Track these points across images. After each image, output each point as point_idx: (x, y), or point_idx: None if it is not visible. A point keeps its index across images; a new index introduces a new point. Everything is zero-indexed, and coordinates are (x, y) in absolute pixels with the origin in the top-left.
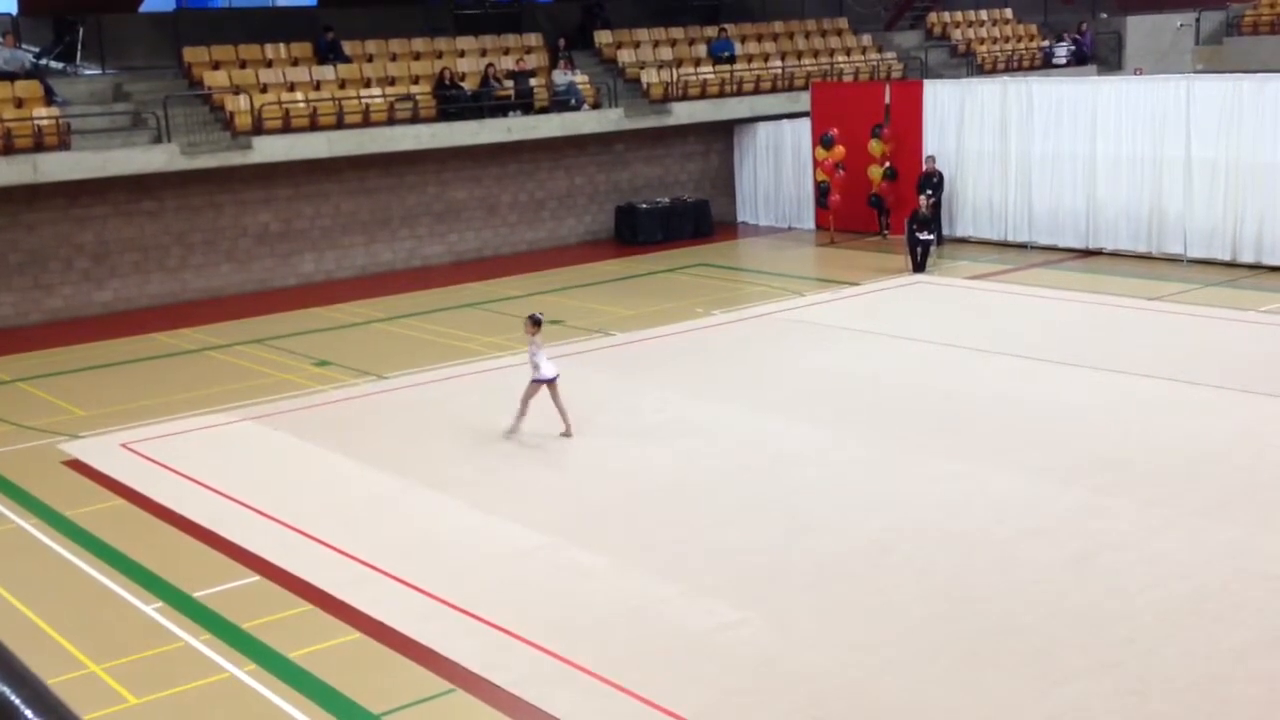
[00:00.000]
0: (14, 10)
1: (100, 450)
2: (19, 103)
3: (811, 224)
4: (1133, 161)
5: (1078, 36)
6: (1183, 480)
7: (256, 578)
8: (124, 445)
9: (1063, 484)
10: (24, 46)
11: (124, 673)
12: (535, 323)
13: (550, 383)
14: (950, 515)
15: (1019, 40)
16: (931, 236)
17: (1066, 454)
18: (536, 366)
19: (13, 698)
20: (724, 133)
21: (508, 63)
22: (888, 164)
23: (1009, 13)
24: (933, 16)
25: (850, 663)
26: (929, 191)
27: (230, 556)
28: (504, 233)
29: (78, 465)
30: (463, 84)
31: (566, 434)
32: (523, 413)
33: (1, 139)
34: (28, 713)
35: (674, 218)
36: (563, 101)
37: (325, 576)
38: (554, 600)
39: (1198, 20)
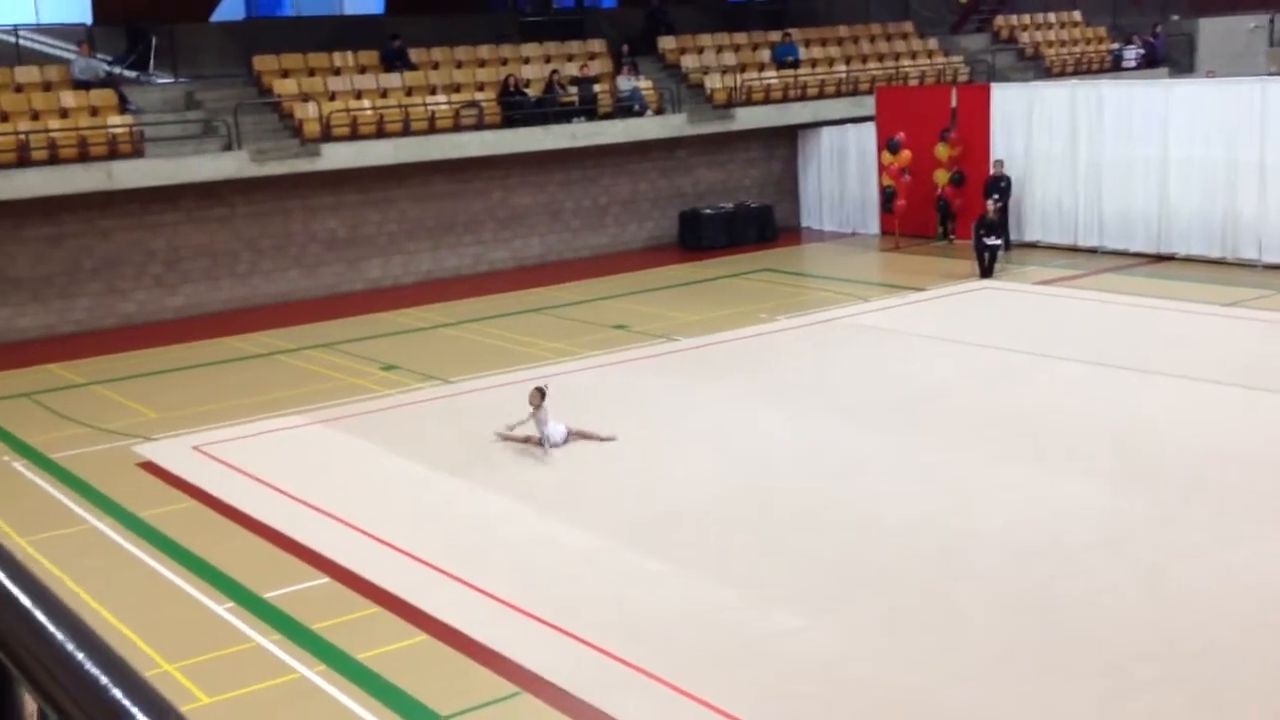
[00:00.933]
0: (89, 20)
1: (173, 452)
2: (94, 111)
3: (876, 229)
4: (1205, 164)
5: (1150, 39)
6: (1257, 490)
7: (326, 579)
8: (196, 447)
9: (1134, 493)
10: (99, 56)
11: (196, 672)
12: (541, 394)
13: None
14: (1018, 524)
15: (1088, 43)
16: (999, 241)
17: (1138, 462)
18: (548, 436)
19: (125, 701)
20: (787, 137)
21: (572, 69)
22: (956, 169)
23: (1078, 15)
24: (1000, 19)
25: (915, 671)
26: (996, 196)
27: (300, 558)
28: (568, 238)
29: (151, 467)
30: (527, 90)
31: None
32: (512, 435)
33: (77, 147)
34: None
35: (738, 223)
36: (626, 107)
37: (393, 579)
38: (618, 604)
39: (1271, 22)
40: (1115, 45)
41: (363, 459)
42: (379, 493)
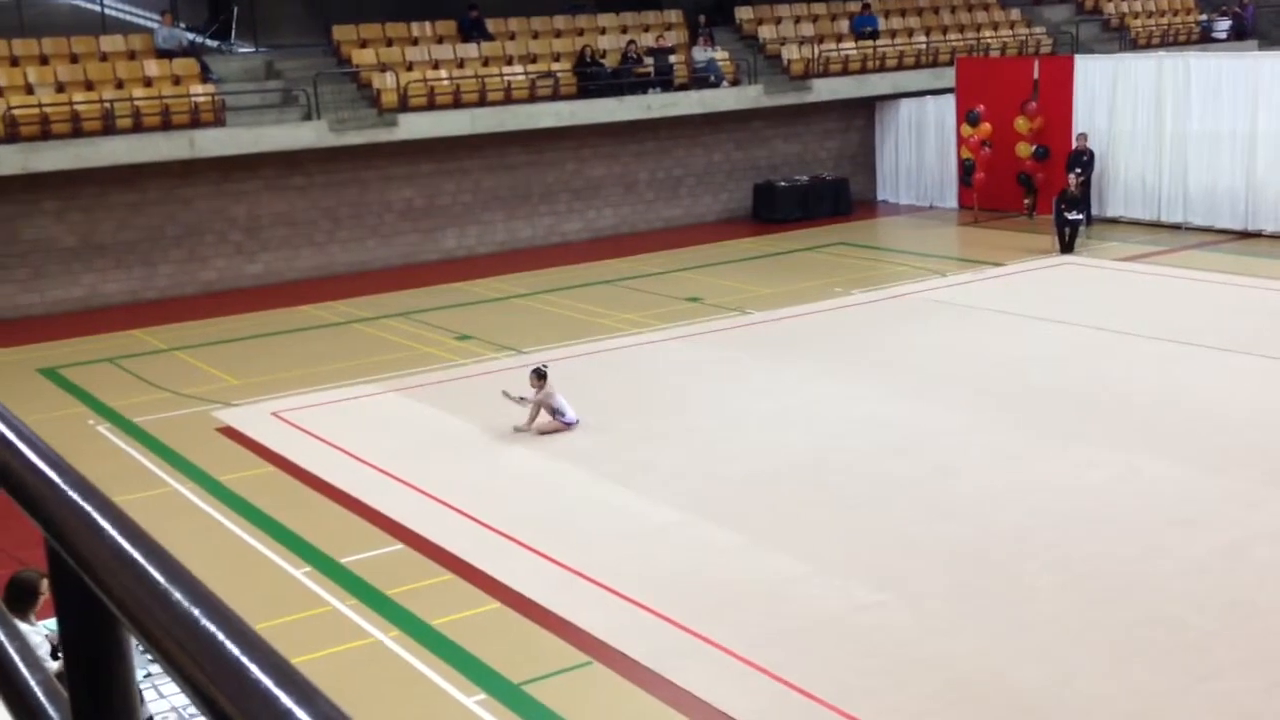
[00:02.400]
0: None
1: (252, 418)
2: (177, 80)
3: (954, 203)
4: None
5: (1239, 10)
6: None
7: (400, 546)
8: (275, 414)
9: (1215, 472)
10: (182, 25)
11: (275, 635)
12: (540, 376)
13: (570, 425)
14: (1095, 502)
15: (1175, 14)
16: (1081, 216)
17: (1219, 442)
18: (559, 411)
19: (278, 692)
20: (865, 109)
21: (648, 39)
22: (1039, 143)
23: None
24: None
25: (989, 649)
26: (1078, 170)
27: (375, 524)
28: (641, 210)
29: (231, 432)
30: (603, 61)
31: (523, 429)
32: (533, 416)
33: (160, 115)
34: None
35: (812, 195)
36: (702, 78)
37: (467, 546)
38: (689, 576)
39: None
40: (1204, 17)
41: (437, 427)
42: (453, 461)
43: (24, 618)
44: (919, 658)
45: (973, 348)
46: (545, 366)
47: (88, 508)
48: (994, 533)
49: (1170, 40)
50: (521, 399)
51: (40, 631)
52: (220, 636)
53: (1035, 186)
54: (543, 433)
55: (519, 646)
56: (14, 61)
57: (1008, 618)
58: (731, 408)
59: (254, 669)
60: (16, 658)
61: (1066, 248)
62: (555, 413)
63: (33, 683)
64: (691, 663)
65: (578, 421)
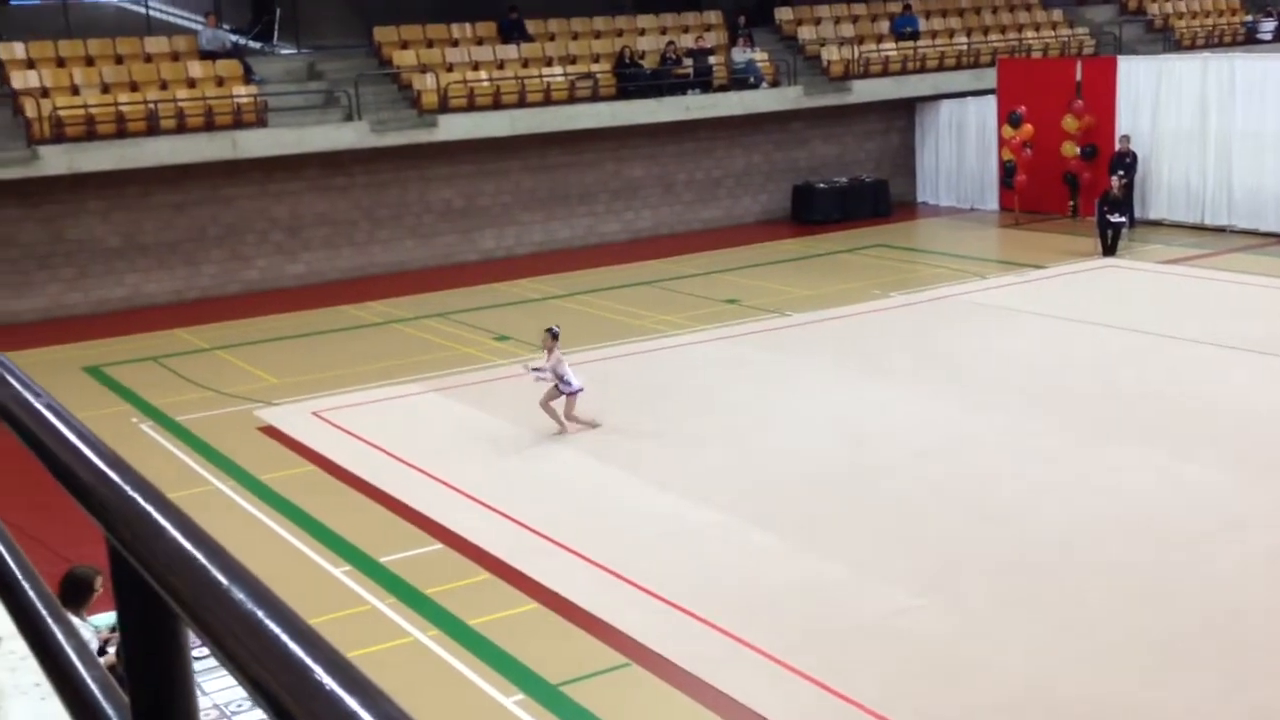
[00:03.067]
0: None
1: (293, 417)
2: (220, 81)
3: (995, 204)
4: None
5: None
6: None
7: (439, 545)
8: (315, 413)
9: (1261, 477)
10: (225, 27)
11: None
12: (554, 336)
13: (575, 394)
14: (1140, 507)
15: (1220, 15)
16: (1123, 219)
17: (1264, 446)
18: (564, 378)
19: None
20: (905, 111)
21: (687, 41)
22: (1088, 143)
23: None
24: None
25: (1032, 654)
26: (1121, 172)
27: (414, 524)
28: (680, 211)
29: (272, 431)
30: (642, 62)
31: (561, 432)
32: (556, 416)
33: (203, 116)
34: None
35: (852, 197)
36: (741, 79)
37: (505, 547)
38: (729, 578)
39: None
40: (1249, 17)
41: (476, 427)
42: (492, 461)
43: (77, 613)
44: (960, 662)
45: (1014, 351)
46: (557, 327)
47: (148, 507)
48: (1035, 537)
49: (1215, 41)
50: (538, 370)
51: (89, 627)
52: (284, 636)
53: (1080, 186)
54: (550, 400)
55: (557, 647)
56: (60, 63)
57: (1049, 622)
58: (770, 410)
59: (318, 669)
60: (74, 655)
61: (1109, 250)
62: (561, 379)
63: (89, 680)
64: (730, 666)
65: (581, 389)
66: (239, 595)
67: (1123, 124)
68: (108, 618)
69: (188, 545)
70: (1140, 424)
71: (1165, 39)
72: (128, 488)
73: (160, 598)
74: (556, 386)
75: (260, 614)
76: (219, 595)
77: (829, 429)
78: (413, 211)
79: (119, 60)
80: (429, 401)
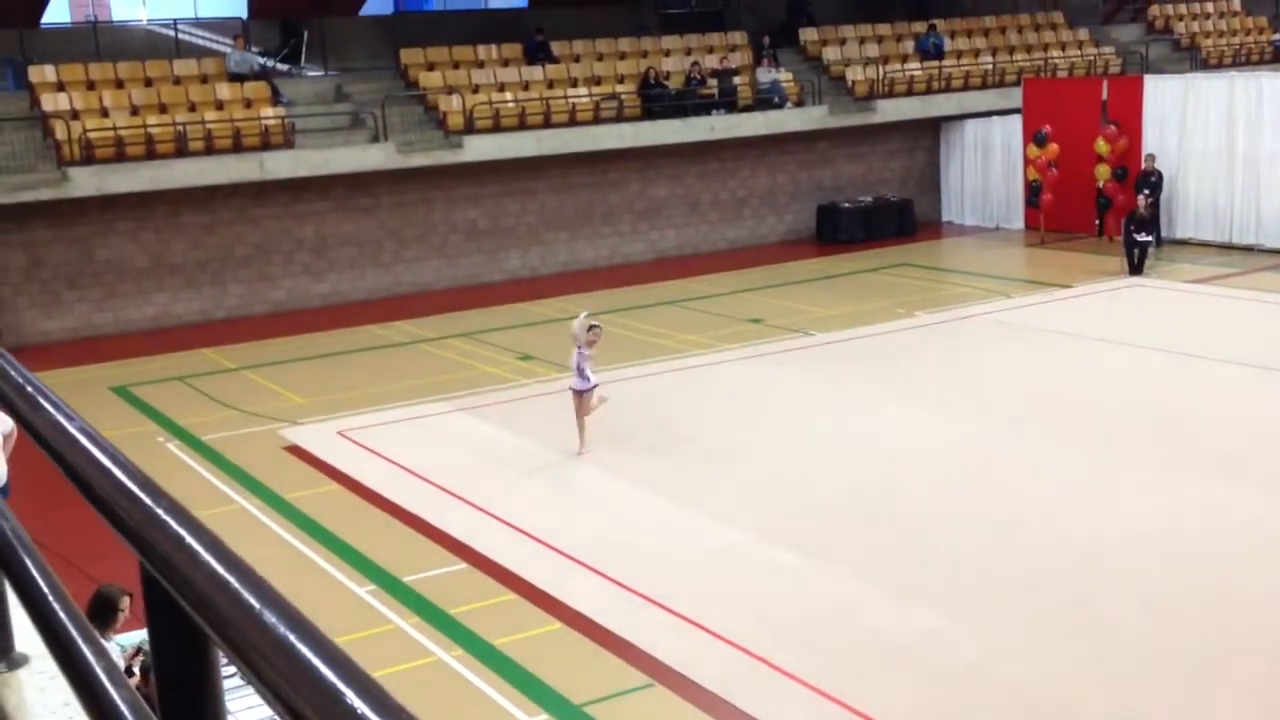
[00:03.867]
0: (245, 15)
1: (318, 437)
2: (248, 103)
3: (1020, 224)
4: None
5: None
6: None
7: (463, 565)
8: (340, 433)
9: None
10: (253, 49)
11: None
12: (597, 329)
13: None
14: (1166, 529)
15: (1247, 33)
16: (1150, 238)
17: None
18: (585, 375)
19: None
20: (930, 130)
21: (712, 61)
22: (1120, 165)
23: (1237, 4)
24: (1155, 9)
25: (1058, 676)
26: (1147, 191)
27: (438, 543)
28: (705, 230)
29: (297, 451)
30: (667, 83)
31: (581, 453)
32: (583, 434)
33: (231, 138)
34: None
35: (877, 216)
36: (766, 100)
37: (529, 567)
38: (753, 599)
39: None
40: (1277, 36)
41: (500, 447)
42: (516, 481)
43: (103, 633)
44: (987, 685)
45: (1041, 370)
46: (598, 328)
47: (181, 531)
48: (1061, 557)
49: (1242, 60)
50: (583, 374)
51: (115, 647)
52: (315, 659)
53: (1113, 208)
54: (583, 415)
55: (581, 667)
56: (90, 85)
57: (1077, 645)
58: (795, 429)
59: (350, 693)
60: (104, 676)
61: (1136, 269)
62: (580, 371)
63: (119, 700)
64: (755, 687)
65: (595, 385)
66: (271, 618)
67: (1149, 143)
68: (132, 637)
69: (220, 568)
70: (1168, 444)
71: (1192, 58)
72: (160, 511)
73: (192, 619)
74: (579, 373)
75: (292, 637)
76: (251, 618)
77: (854, 449)
78: (438, 232)
79: (148, 83)
80: (454, 421)
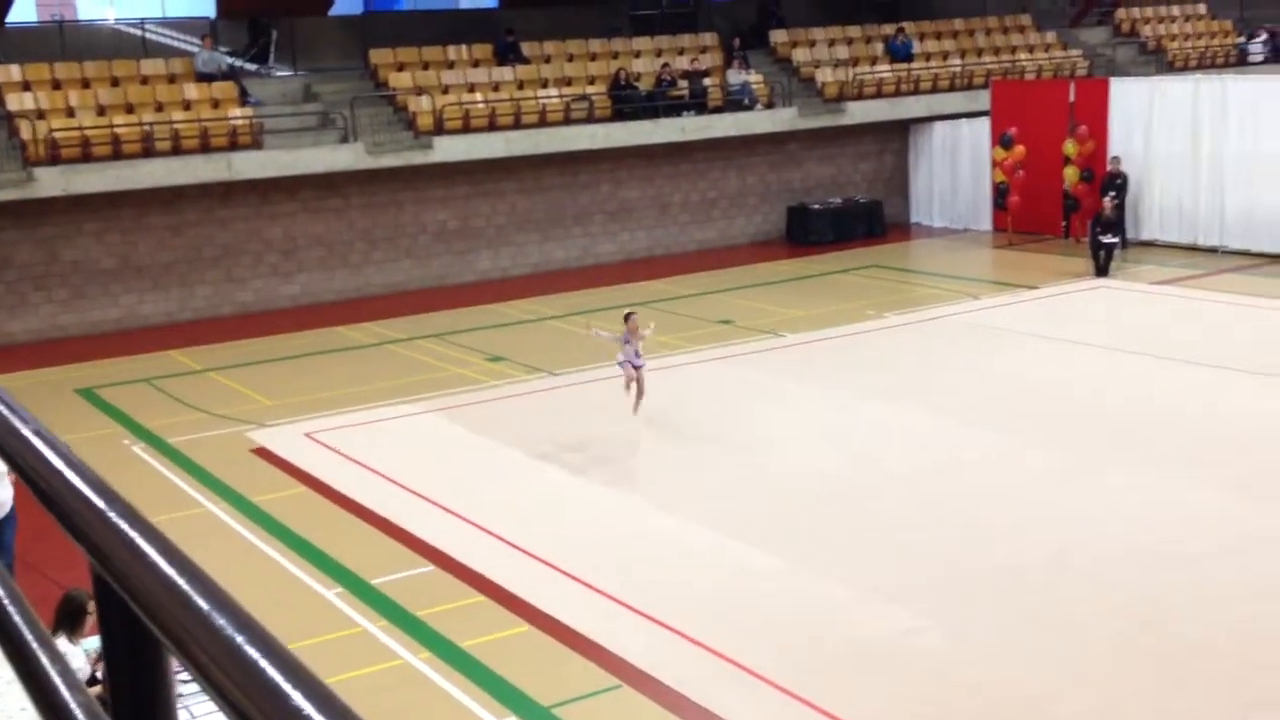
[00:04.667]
0: (213, 14)
1: (286, 439)
2: (215, 103)
3: (988, 225)
4: None
5: (1275, 29)
6: None
7: (432, 567)
8: (308, 435)
9: (1257, 500)
10: (221, 49)
11: (305, 656)
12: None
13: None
14: (1135, 529)
15: (1212, 37)
16: (1115, 239)
17: (1260, 469)
18: (627, 357)
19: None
20: (899, 132)
21: (682, 63)
22: (1087, 167)
23: (1202, 8)
24: (1121, 12)
25: (1030, 677)
26: (1113, 193)
27: (407, 545)
28: (675, 232)
29: (264, 453)
30: (637, 84)
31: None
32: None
33: (199, 138)
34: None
35: (846, 218)
36: (736, 101)
37: (498, 569)
38: (725, 600)
39: None
40: (1241, 39)
41: (470, 449)
42: (485, 483)
43: (72, 637)
44: (958, 685)
45: (1008, 371)
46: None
47: (133, 534)
48: (1033, 558)
49: (1207, 63)
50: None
51: (82, 651)
52: (263, 662)
53: (1080, 209)
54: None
55: (549, 669)
56: (56, 85)
57: (1048, 644)
58: (766, 431)
59: (296, 695)
60: (59, 681)
61: (1101, 271)
62: (626, 359)
63: (74, 705)
64: (724, 688)
65: (643, 364)
66: (221, 622)
67: (1115, 145)
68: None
69: (170, 571)
70: (1133, 444)
71: (1158, 61)
72: (113, 514)
73: (143, 624)
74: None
75: (242, 640)
76: (201, 622)
77: (824, 450)
78: (408, 233)
79: (115, 82)
80: (423, 423)
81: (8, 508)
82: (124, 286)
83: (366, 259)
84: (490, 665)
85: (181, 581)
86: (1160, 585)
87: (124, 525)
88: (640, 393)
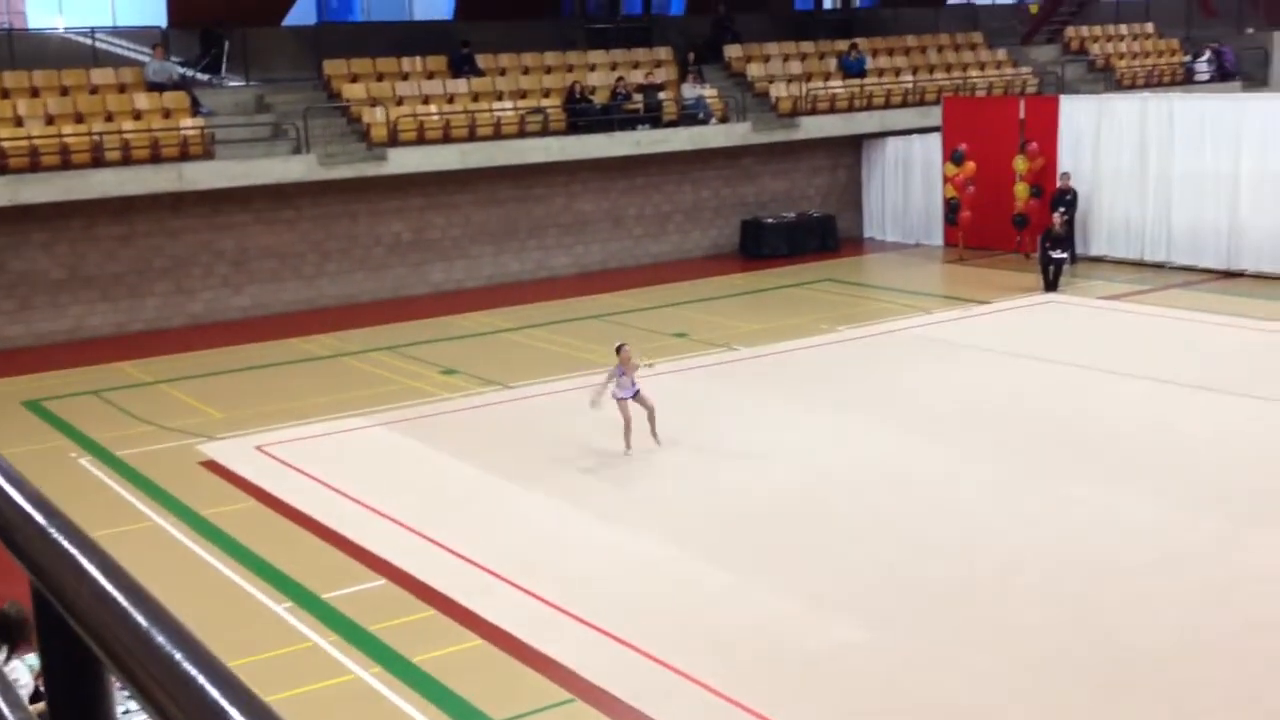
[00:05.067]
0: (164, 23)
1: (236, 452)
2: (167, 113)
3: (940, 240)
4: (1278, 180)
5: (1219, 48)
6: None
7: (383, 581)
8: (259, 448)
9: (1200, 512)
10: (173, 59)
11: (255, 671)
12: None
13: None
14: (1081, 542)
15: (1160, 55)
16: (1065, 255)
17: (1204, 481)
18: (627, 386)
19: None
20: (852, 147)
21: (637, 76)
22: (1036, 183)
23: (1150, 27)
24: (1071, 30)
25: (976, 689)
26: (1062, 209)
27: (358, 560)
28: (629, 245)
29: (214, 466)
30: (592, 97)
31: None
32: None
33: (150, 148)
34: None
35: (800, 232)
36: (691, 115)
37: (450, 583)
38: (675, 614)
39: None
40: (1188, 58)
41: (422, 462)
42: (438, 496)
43: (11, 653)
44: (905, 696)
45: (959, 385)
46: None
47: (72, 550)
48: (981, 570)
49: (1155, 81)
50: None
51: (25, 667)
52: (202, 680)
53: (1030, 225)
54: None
55: (501, 684)
56: (4, 94)
57: (994, 656)
58: (718, 444)
59: (235, 713)
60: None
61: (1051, 286)
62: (623, 394)
63: None
64: (675, 701)
65: (636, 391)
66: (159, 639)
67: (1064, 161)
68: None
69: (110, 588)
70: (1080, 457)
71: (1106, 79)
72: (51, 529)
73: (83, 641)
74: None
75: (179, 657)
76: (140, 639)
77: (777, 463)
78: (362, 244)
79: (64, 92)
80: (374, 436)
81: None
82: (72, 297)
83: (319, 271)
84: (442, 680)
85: (121, 598)
86: (1104, 598)
87: (63, 541)
88: (650, 414)
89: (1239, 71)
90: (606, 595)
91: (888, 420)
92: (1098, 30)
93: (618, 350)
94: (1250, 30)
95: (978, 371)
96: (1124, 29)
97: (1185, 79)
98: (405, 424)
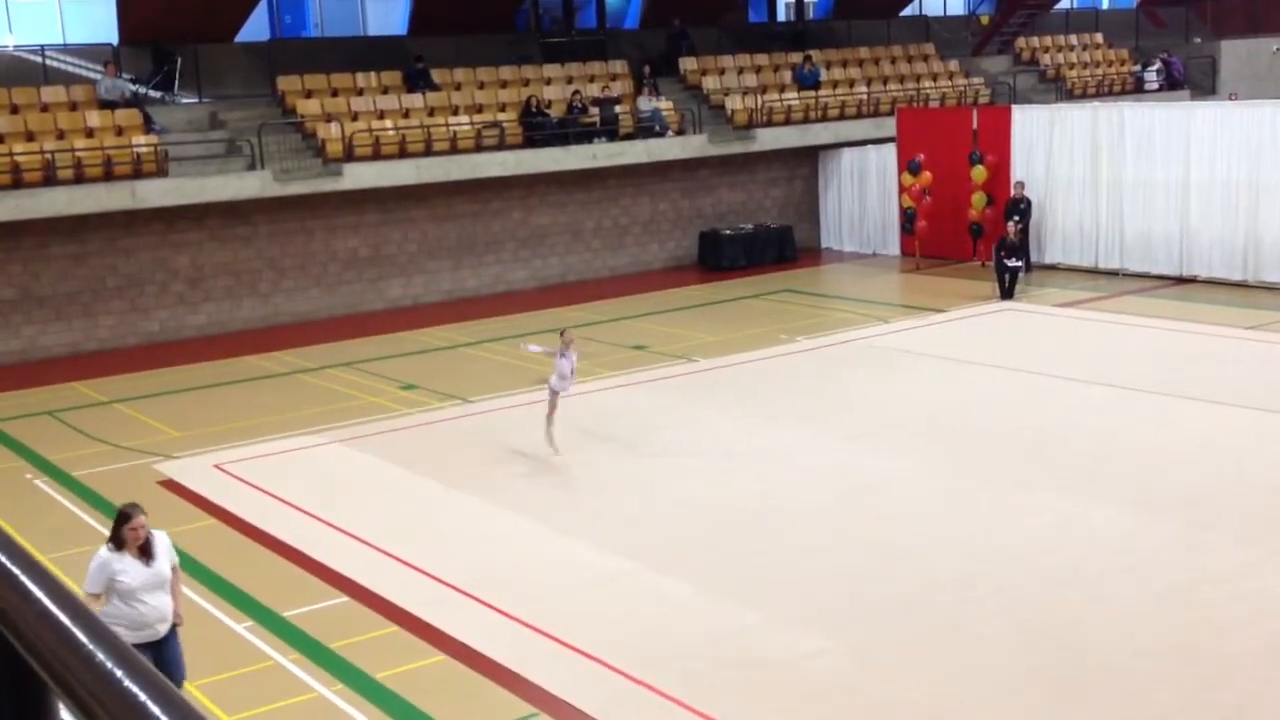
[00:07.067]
0: (115, 41)
1: (194, 471)
2: (119, 131)
3: (897, 250)
4: (1228, 187)
5: (1168, 58)
6: None
7: (344, 598)
8: (217, 466)
9: (1156, 517)
10: (124, 76)
11: (216, 691)
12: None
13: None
14: (1038, 548)
15: (1110, 65)
16: (1020, 263)
17: (1160, 487)
18: (560, 373)
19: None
20: (808, 158)
21: (593, 90)
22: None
23: (1100, 37)
24: (1022, 41)
25: (935, 696)
26: (1017, 217)
27: (319, 577)
28: (588, 258)
29: (172, 485)
30: (549, 111)
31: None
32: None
33: (102, 166)
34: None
35: (758, 243)
36: (647, 128)
37: (411, 598)
38: (636, 626)
39: None
40: (1137, 68)
41: (382, 478)
42: (398, 512)
43: None
44: (865, 705)
45: (917, 393)
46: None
47: (16, 571)
48: (939, 579)
49: (1105, 91)
50: (542, 351)
51: None
52: (142, 697)
53: (984, 233)
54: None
55: (465, 699)
56: None
57: (953, 665)
58: (679, 455)
59: None
60: None
61: (1006, 294)
62: (563, 377)
63: None
64: (639, 712)
65: (558, 391)
66: (105, 660)
67: (1018, 170)
68: None
69: (54, 609)
70: (1037, 464)
71: (1057, 89)
72: None
73: (27, 664)
74: (553, 387)
75: (126, 680)
76: (84, 660)
77: (736, 474)
78: (318, 261)
79: (14, 110)
80: (334, 452)
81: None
82: (25, 317)
83: (276, 287)
84: (405, 696)
85: (64, 618)
86: (1064, 605)
87: (5, 561)
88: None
89: (1187, 80)
90: (568, 608)
91: (848, 430)
92: (1048, 41)
93: (561, 333)
94: (1198, 40)
95: (935, 380)
96: (1074, 39)
97: (1135, 88)
98: (364, 440)
